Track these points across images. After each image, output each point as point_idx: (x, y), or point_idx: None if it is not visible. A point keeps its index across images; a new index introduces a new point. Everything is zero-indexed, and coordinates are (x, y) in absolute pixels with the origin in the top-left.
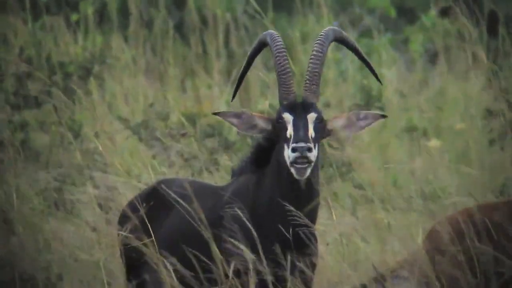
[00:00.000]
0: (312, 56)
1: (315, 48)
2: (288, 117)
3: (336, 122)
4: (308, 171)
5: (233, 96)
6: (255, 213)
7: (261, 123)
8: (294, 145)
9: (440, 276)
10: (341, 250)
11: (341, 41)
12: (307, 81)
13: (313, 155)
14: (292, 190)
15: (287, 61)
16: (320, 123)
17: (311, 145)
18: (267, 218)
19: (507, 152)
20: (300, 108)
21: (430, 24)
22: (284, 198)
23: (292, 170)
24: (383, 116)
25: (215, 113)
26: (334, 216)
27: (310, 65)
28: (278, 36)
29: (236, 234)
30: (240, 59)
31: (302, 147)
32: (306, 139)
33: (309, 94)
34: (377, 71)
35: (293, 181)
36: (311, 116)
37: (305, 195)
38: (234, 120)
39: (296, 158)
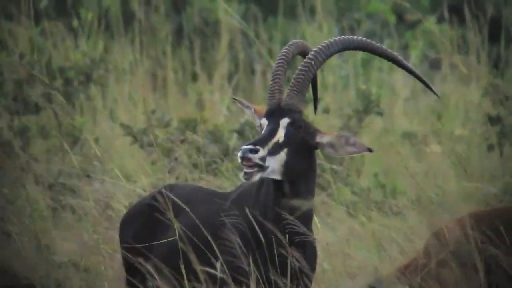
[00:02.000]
0: (302, 63)
1: (307, 56)
2: (264, 122)
3: (324, 137)
4: (257, 176)
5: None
6: (254, 217)
7: (259, 122)
8: (241, 148)
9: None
10: (338, 256)
11: (356, 48)
12: (289, 88)
13: (257, 157)
14: (277, 194)
15: (279, 68)
16: (295, 128)
17: (258, 147)
18: (265, 222)
19: (506, 158)
20: (276, 114)
21: (429, 30)
22: (273, 202)
23: (241, 172)
24: (370, 150)
25: (234, 99)
26: (318, 225)
27: (296, 71)
28: (288, 45)
29: (233, 244)
30: (242, 64)
31: (244, 148)
32: (257, 142)
33: (288, 100)
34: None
35: (276, 186)
36: (284, 121)
37: (291, 201)
38: (248, 112)
39: (240, 158)
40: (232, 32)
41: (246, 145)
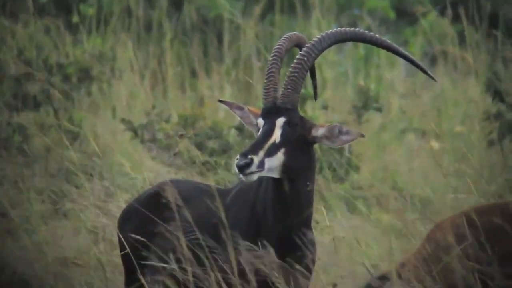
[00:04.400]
0: (295, 60)
1: (300, 52)
2: (260, 122)
3: (319, 130)
4: (255, 175)
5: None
6: (254, 213)
7: (256, 121)
8: (237, 157)
9: (439, 278)
10: (338, 253)
11: (349, 39)
12: (283, 86)
13: (254, 167)
14: (276, 192)
15: (273, 66)
16: (292, 127)
17: (252, 157)
18: (264, 218)
19: (506, 154)
20: (272, 113)
21: (429, 26)
22: (272, 199)
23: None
24: (362, 135)
25: (221, 101)
26: (327, 220)
27: (289, 69)
28: (281, 39)
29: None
30: (242, 60)
31: (239, 163)
32: (250, 151)
33: (282, 99)
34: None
35: (275, 184)
36: (280, 121)
37: (291, 198)
38: (238, 112)
39: (237, 173)
40: (232, 29)
41: (240, 156)
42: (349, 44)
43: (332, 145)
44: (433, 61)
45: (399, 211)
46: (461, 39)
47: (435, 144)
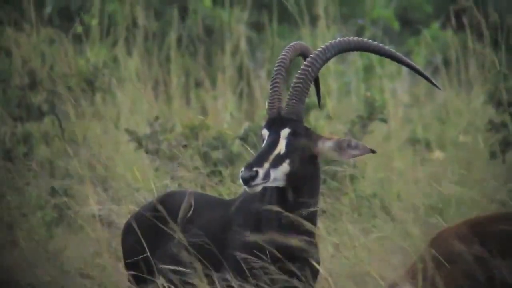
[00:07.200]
0: (299, 71)
1: (304, 63)
2: (265, 133)
3: (326, 143)
4: (259, 186)
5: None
6: (259, 223)
7: None
8: (242, 169)
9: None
10: (342, 262)
11: (353, 49)
12: (288, 95)
13: (259, 180)
14: (280, 201)
15: (278, 75)
16: (297, 138)
17: (257, 170)
18: (269, 228)
19: (509, 165)
20: (276, 124)
21: (432, 37)
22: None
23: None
24: (373, 151)
25: None
26: (322, 231)
27: (294, 79)
28: (285, 49)
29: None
30: (245, 70)
31: (244, 176)
32: (255, 163)
33: (287, 110)
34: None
35: (279, 193)
36: (284, 132)
37: (296, 207)
38: None
39: (243, 185)
40: (236, 39)
41: (245, 169)
42: (353, 54)
43: (338, 159)
44: (436, 71)
45: (403, 221)
46: (465, 49)
47: (439, 154)
